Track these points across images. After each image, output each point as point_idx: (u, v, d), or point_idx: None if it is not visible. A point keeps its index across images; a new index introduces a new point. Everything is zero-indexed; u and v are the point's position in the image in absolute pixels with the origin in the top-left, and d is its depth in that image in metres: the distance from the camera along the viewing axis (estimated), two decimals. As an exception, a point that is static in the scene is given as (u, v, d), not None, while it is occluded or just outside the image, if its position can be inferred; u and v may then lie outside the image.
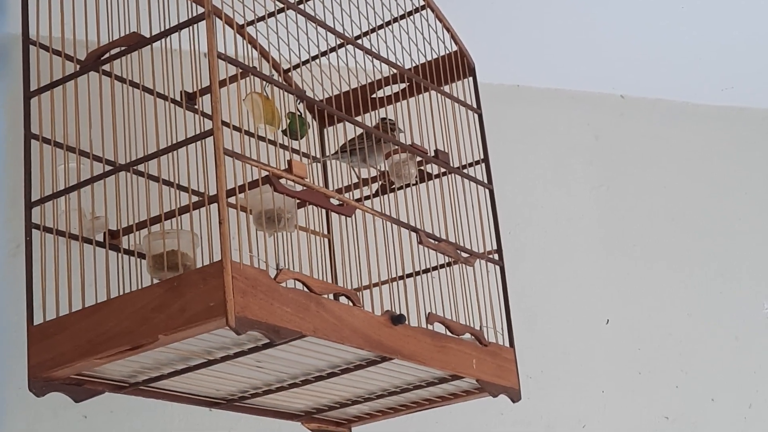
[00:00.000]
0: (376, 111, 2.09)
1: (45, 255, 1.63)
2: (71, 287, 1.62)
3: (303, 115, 1.91)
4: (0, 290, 2.08)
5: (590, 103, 2.79)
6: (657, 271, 2.72)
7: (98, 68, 1.67)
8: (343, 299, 1.73)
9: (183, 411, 2.10)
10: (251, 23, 1.96)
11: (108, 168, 1.64)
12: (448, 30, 2.05)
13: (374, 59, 1.89)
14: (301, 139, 1.89)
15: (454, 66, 2.07)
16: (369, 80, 2.05)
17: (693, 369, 2.67)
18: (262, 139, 1.88)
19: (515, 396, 1.91)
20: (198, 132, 1.57)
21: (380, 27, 1.97)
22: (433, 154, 1.93)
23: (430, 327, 1.76)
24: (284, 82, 1.98)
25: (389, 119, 2.01)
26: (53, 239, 1.64)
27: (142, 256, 1.71)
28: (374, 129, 1.87)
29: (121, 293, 1.59)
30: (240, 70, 1.61)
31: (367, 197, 2.01)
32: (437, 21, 2.04)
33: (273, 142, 1.86)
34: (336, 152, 2.02)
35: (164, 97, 1.78)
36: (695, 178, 2.86)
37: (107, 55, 1.66)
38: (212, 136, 1.50)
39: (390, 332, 1.68)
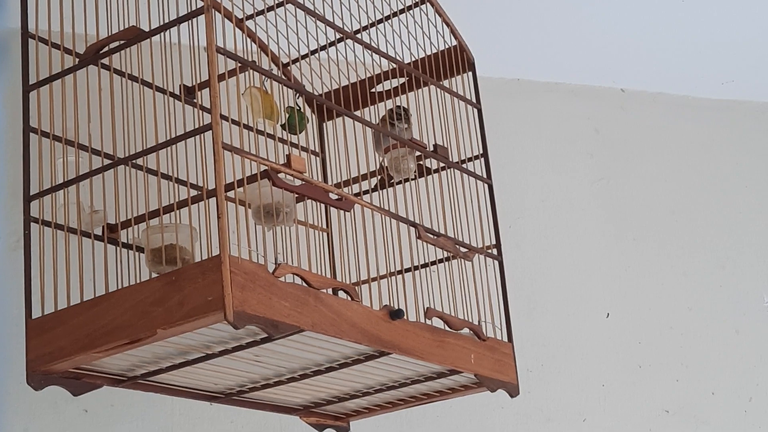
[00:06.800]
0: (376, 105, 2.09)
1: (44, 249, 1.63)
2: (70, 281, 1.63)
3: (302, 110, 1.90)
4: (1, 284, 2.08)
5: (591, 97, 2.79)
6: (657, 264, 2.72)
7: (97, 62, 1.68)
8: (341, 294, 1.73)
9: (183, 404, 2.11)
10: (250, 17, 1.95)
11: (107, 162, 1.64)
12: (447, 24, 2.05)
13: (374, 54, 1.89)
14: (300, 133, 1.89)
15: (454, 61, 2.06)
16: (368, 75, 2.05)
17: (693, 362, 2.67)
18: (260, 133, 1.88)
19: (513, 391, 1.91)
20: (197, 125, 1.57)
21: (380, 21, 1.97)
22: (432, 148, 1.93)
23: (428, 322, 1.76)
24: (283, 76, 1.98)
25: (402, 107, 2.01)
26: (52, 233, 1.64)
27: (140, 249, 1.71)
28: (374, 125, 1.87)
29: (120, 287, 1.59)
30: (239, 65, 1.61)
31: (366, 192, 2.01)
32: (437, 15, 2.04)
33: (272, 136, 1.86)
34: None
35: (163, 91, 1.78)
36: (696, 172, 2.86)
37: (106, 48, 1.66)
38: (211, 131, 1.50)
39: (388, 327, 1.68)
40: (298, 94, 1.85)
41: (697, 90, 2.88)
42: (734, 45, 2.70)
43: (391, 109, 2.01)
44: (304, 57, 1.93)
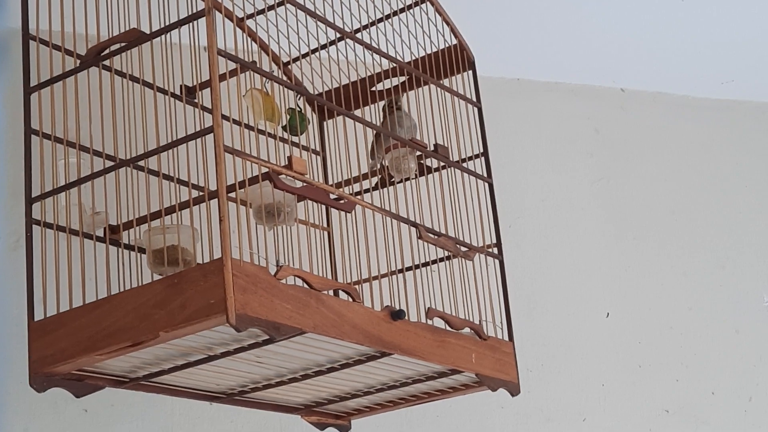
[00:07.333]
0: (376, 104, 2.09)
1: (45, 251, 1.63)
2: (72, 282, 1.63)
3: (303, 111, 1.90)
4: (1, 284, 2.08)
5: (591, 97, 2.79)
6: (657, 264, 2.72)
7: (98, 64, 1.67)
8: (342, 295, 1.73)
9: (183, 404, 2.11)
10: (251, 16, 1.95)
11: (108, 163, 1.64)
12: (447, 23, 2.05)
13: (374, 53, 1.89)
14: (301, 135, 1.89)
15: (454, 59, 2.06)
16: (369, 73, 2.05)
17: (693, 362, 2.67)
18: (261, 132, 1.88)
19: (514, 390, 1.91)
20: (198, 126, 1.57)
21: (380, 20, 1.97)
22: (432, 148, 1.93)
23: (429, 322, 1.76)
24: (284, 76, 1.98)
25: (394, 97, 2.01)
26: (54, 235, 1.64)
27: (142, 251, 1.71)
28: (374, 125, 1.87)
29: (122, 288, 1.59)
30: (240, 65, 1.61)
31: (367, 191, 2.01)
32: (437, 14, 2.03)
33: (273, 136, 1.86)
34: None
35: (164, 92, 1.78)
36: (695, 171, 2.86)
37: (107, 50, 1.66)
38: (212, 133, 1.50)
39: (389, 327, 1.68)
40: (299, 95, 1.85)
41: (697, 90, 2.88)
42: (734, 45, 2.70)
43: (388, 102, 2.01)
44: (304, 56, 1.93)
